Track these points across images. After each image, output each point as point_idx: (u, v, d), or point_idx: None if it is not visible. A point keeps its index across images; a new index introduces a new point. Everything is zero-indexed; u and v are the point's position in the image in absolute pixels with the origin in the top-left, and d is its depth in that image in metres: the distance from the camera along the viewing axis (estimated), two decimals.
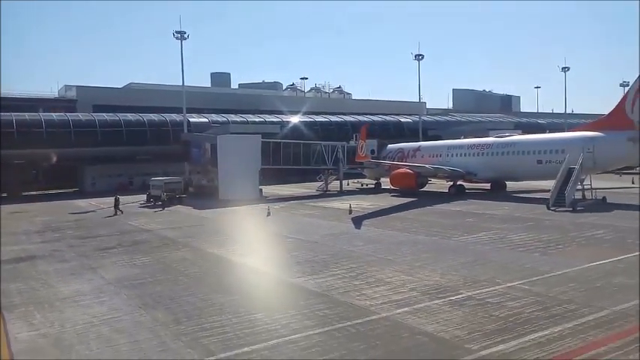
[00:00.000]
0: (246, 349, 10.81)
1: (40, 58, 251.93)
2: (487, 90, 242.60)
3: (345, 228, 28.20)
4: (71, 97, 77.37)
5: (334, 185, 54.25)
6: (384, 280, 16.15)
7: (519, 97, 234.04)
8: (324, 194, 50.77)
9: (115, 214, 37.18)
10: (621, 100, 36.78)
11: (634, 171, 64.42)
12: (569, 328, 11.34)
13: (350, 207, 35.89)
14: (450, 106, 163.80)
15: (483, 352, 10.17)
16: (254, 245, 24.70)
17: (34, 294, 16.07)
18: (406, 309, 13.15)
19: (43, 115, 60.08)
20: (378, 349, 10.58)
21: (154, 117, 67.74)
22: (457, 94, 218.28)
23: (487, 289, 14.67)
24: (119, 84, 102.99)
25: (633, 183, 49.78)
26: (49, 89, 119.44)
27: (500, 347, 10.40)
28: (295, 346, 10.89)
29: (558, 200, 32.40)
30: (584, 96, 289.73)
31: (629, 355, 9.86)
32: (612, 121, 36.96)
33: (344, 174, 55.20)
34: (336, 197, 46.73)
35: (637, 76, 35.41)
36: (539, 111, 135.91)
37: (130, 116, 66.15)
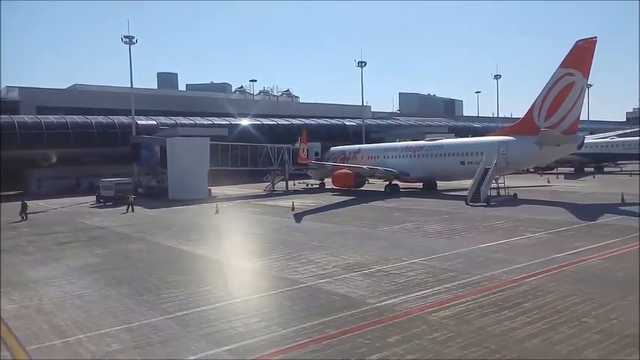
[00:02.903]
0: (197, 309, 13.76)
1: None
2: (432, 94, 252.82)
3: (287, 222, 31.37)
4: (13, 98, 76.46)
5: (281, 185, 57.32)
6: (313, 261, 19.43)
7: (462, 101, 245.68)
8: (271, 194, 53.77)
9: (21, 219, 36.58)
10: (530, 107, 41.87)
11: (554, 171, 71.51)
12: (446, 288, 15.00)
13: (293, 204, 39.07)
14: (396, 109, 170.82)
15: (378, 304, 13.60)
16: (204, 238, 27.29)
17: (8, 279, 18.21)
18: (327, 280, 16.48)
19: None
20: (300, 305, 13.81)
21: (102, 119, 68.48)
22: (403, 97, 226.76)
23: (394, 265, 18.25)
24: (63, 85, 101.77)
25: (549, 182, 55.78)
26: None
27: (392, 301, 13.88)
28: (235, 306, 13.99)
29: (475, 196, 36.94)
30: (522, 100, 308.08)
31: (483, 301, 13.55)
32: (523, 127, 42.03)
33: (290, 175, 58.37)
34: (281, 196, 49.80)
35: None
36: (480, 115, 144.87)
37: (77, 118, 66.64)
